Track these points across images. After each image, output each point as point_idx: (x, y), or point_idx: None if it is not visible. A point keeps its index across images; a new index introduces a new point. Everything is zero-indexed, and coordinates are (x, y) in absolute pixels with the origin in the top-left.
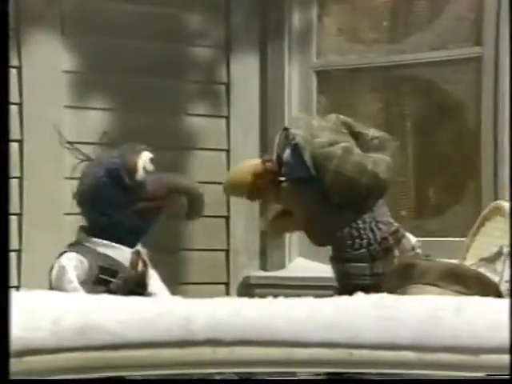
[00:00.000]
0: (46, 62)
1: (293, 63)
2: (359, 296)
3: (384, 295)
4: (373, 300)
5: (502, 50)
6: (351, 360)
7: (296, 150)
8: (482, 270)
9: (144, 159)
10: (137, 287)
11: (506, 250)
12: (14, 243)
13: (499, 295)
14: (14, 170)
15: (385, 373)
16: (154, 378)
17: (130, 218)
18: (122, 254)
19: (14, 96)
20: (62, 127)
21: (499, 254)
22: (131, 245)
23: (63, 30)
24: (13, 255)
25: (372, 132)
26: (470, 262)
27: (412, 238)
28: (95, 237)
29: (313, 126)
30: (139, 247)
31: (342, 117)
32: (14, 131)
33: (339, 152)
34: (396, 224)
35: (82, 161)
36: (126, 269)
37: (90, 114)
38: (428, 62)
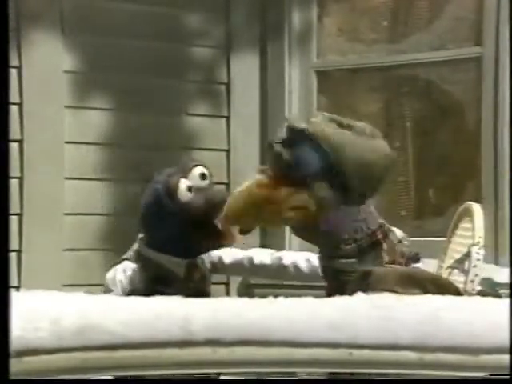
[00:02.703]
0: (46, 62)
1: (293, 63)
2: (359, 296)
3: (384, 295)
4: (373, 300)
5: (502, 50)
6: (351, 360)
7: (312, 142)
8: (455, 271)
9: (193, 178)
10: (196, 296)
11: (472, 249)
12: (14, 243)
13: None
14: (14, 170)
15: (385, 373)
16: (153, 378)
17: (186, 241)
18: (177, 264)
19: (14, 96)
20: (61, 127)
21: (468, 254)
22: (190, 256)
23: (63, 29)
24: (13, 255)
25: (359, 124)
26: (446, 264)
27: (398, 232)
28: (152, 248)
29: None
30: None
31: (327, 114)
32: (14, 131)
33: (350, 139)
34: (381, 219)
35: None
36: (182, 279)
37: (90, 114)
38: (428, 62)
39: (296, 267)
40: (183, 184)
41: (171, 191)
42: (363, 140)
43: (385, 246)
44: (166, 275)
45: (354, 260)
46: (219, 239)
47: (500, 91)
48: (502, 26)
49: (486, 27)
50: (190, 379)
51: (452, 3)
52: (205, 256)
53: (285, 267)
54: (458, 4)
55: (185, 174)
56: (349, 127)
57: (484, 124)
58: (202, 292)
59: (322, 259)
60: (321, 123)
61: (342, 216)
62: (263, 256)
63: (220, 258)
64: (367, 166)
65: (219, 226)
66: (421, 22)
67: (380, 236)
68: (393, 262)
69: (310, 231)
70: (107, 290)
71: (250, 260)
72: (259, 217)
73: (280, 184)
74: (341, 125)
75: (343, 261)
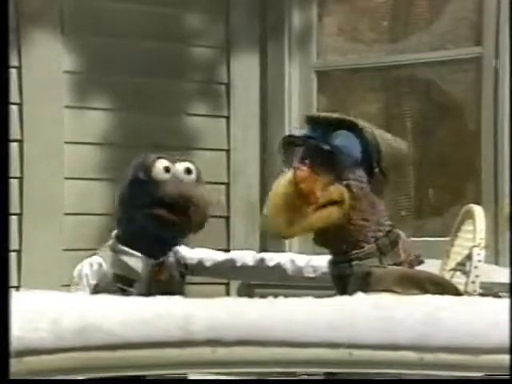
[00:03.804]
0: (46, 62)
1: (293, 63)
2: (359, 296)
3: (384, 295)
4: (373, 300)
5: (502, 50)
6: (351, 360)
7: (361, 135)
8: (457, 274)
9: (177, 171)
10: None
11: (473, 251)
12: (13, 243)
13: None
14: (14, 170)
15: (385, 373)
16: (153, 378)
17: (151, 225)
18: (143, 263)
19: (14, 96)
20: (61, 127)
21: (469, 255)
22: (157, 256)
23: (63, 29)
24: (13, 255)
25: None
26: (449, 267)
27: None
28: (123, 244)
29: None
30: (167, 257)
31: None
32: (14, 131)
33: (378, 132)
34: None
35: None
36: (145, 279)
37: (90, 114)
38: (428, 62)
39: (280, 268)
40: (160, 163)
41: (147, 165)
42: (386, 134)
43: (400, 244)
44: (130, 274)
45: (374, 260)
46: (189, 228)
47: (500, 91)
48: (502, 26)
49: (486, 27)
50: (189, 379)
51: (452, 3)
52: (180, 258)
53: (268, 268)
54: (458, 4)
55: (166, 159)
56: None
57: (484, 124)
58: (168, 294)
59: (335, 264)
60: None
61: (372, 209)
62: (245, 258)
63: (200, 261)
64: (396, 156)
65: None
66: (421, 22)
67: (396, 234)
68: (405, 261)
69: (331, 234)
70: (74, 284)
71: (232, 262)
72: (299, 216)
73: (318, 177)
74: None
75: (362, 262)
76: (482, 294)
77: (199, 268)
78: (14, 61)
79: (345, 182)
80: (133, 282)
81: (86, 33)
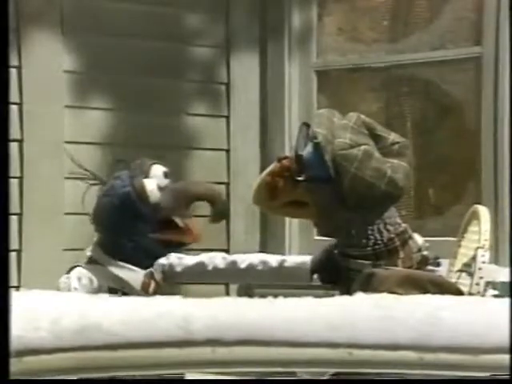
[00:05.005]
0: (46, 62)
1: (293, 63)
2: (359, 296)
3: (384, 295)
4: (373, 300)
5: (502, 50)
6: (351, 360)
7: (317, 148)
8: (463, 275)
9: (155, 177)
10: None
11: (477, 252)
12: (13, 243)
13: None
14: (14, 170)
15: (385, 373)
16: (153, 378)
17: (151, 242)
18: (134, 275)
19: (14, 96)
20: (61, 127)
21: (475, 257)
22: (146, 266)
23: (63, 29)
24: (13, 255)
25: (393, 137)
26: (456, 268)
27: (419, 240)
28: (110, 255)
29: (334, 124)
30: (153, 268)
31: (363, 117)
32: (14, 131)
33: (360, 155)
34: (404, 225)
35: (95, 184)
36: (137, 291)
37: (90, 114)
38: (428, 62)
39: (253, 270)
40: (152, 184)
41: (141, 194)
42: (373, 161)
43: (402, 253)
44: (123, 288)
45: (367, 263)
46: (182, 238)
47: (500, 91)
48: (502, 26)
49: (486, 27)
50: (190, 379)
51: (452, 3)
52: (158, 267)
53: (240, 270)
54: (458, 4)
55: (146, 173)
56: (379, 138)
57: (484, 124)
58: None
59: (338, 256)
60: (337, 128)
61: (344, 221)
62: (216, 261)
63: (170, 266)
64: (366, 189)
65: (180, 223)
66: (421, 21)
67: (398, 243)
68: (413, 262)
69: (329, 229)
70: None
71: (203, 266)
72: (267, 203)
73: (288, 175)
74: (372, 132)
75: (356, 261)
76: (496, 296)
77: (170, 274)
78: (14, 61)
79: (308, 190)
80: (125, 295)
81: (86, 33)
